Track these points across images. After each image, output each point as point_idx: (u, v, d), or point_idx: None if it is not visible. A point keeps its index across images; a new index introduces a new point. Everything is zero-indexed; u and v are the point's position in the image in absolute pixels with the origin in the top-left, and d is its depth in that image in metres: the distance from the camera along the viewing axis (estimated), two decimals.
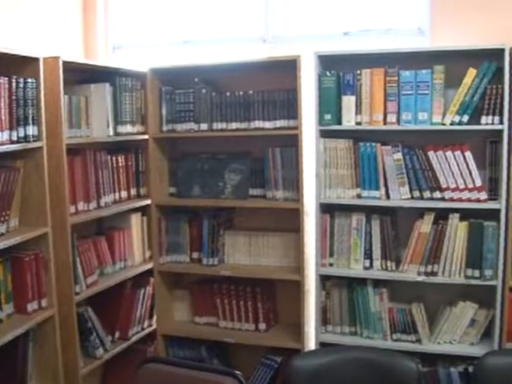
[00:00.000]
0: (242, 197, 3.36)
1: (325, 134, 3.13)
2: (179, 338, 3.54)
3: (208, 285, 3.51)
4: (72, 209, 3.09)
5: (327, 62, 3.16)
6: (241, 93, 3.29)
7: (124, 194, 3.53)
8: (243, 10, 3.67)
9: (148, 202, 3.54)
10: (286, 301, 3.47)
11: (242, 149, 3.42)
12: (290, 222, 3.23)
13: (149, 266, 3.61)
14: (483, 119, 2.94)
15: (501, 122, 2.90)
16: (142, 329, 3.63)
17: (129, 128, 3.45)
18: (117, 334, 3.45)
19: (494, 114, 2.92)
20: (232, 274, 3.36)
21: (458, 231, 3.02)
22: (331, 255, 3.21)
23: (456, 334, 3.12)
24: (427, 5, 3.32)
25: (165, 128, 3.45)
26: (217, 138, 3.38)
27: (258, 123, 3.25)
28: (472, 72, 2.95)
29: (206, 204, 3.43)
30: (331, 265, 3.22)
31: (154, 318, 3.64)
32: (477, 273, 3.02)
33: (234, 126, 3.30)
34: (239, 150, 3.42)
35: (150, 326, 3.68)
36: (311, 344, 3.32)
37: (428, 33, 3.32)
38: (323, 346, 3.21)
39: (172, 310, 3.66)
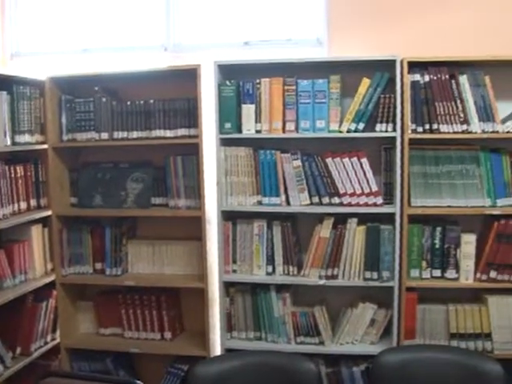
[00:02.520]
0: (144, 206, 3.34)
1: (225, 143, 3.16)
2: (84, 350, 3.48)
3: (112, 295, 3.46)
4: None
5: (227, 71, 3.19)
6: (141, 102, 3.27)
7: (23, 205, 3.41)
8: (144, 18, 3.64)
9: (49, 212, 3.45)
10: (191, 309, 3.48)
11: (143, 158, 3.41)
12: (193, 230, 3.24)
13: (51, 278, 3.52)
14: (378, 127, 3.06)
15: (394, 130, 3.03)
16: (45, 343, 3.52)
17: (27, 137, 3.35)
18: (18, 350, 3.34)
19: (387, 122, 3.05)
20: (136, 283, 3.33)
21: (356, 235, 3.12)
22: (234, 262, 3.25)
23: (357, 335, 3.22)
24: (325, 17, 3.41)
25: (65, 137, 3.38)
26: (118, 147, 3.35)
27: (159, 132, 3.24)
28: (366, 82, 3.06)
29: (108, 214, 3.38)
30: (234, 271, 3.25)
31: (58, 331, 3.54)
32: (375, 275, 3.13)
33: (135, 134, 3.27)
34: (141, 159, 3.41)
35: (53, 339, 3.58)
36: (217, 351, 3.34)
37: (326, 43, 3.41)
38: (229, 352, 3.23)
39: (76, 322, 3.59)
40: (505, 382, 2.63)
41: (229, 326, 3.29)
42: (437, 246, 3.12)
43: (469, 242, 3.11)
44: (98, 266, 3.43)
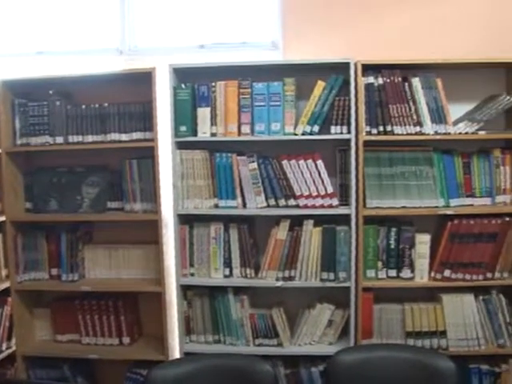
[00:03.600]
0: (100, 210, 3.31)
1: (181, 146, 3.16)
2: (41, 358, 3.42)
3: (69, 301, 3.42)
4: None
5: (183, 74, 3.19)
6: (96, 105, 3.25)
7: None
8: (99, 21, 3.61)
9: (2, 218, 3.39)
10: (150, 313, 3.46)
11: (99, 162, 3.38)
12: (150, 233, 3.22)
13: (6, 285, 3.45)
14: (332, 129, 3.09)
15: (348, 132, 3.06)
16: (1, 351, 3.46)
17: None
18: None
19: (342, 124, 3.08)
20: (93, 288, 3.30)
21: (312, 237, 3.14)
22: (191, 265, 3.24)
23: (315, 335, 3.25)
24: (280, 20, 3.42)
25: (18, 142, 3.33)
26: (73, 152, 3.30)
27: (114, 136, 3.22)
28: (321, 84, 3.09)
29: (64, 219, 3.34)
30: (192, 275, 3.25)
31: (14, 339, 3.48)
32: (331, 275, 3.16)
33: (90, 138, 3.25)
34: (96, 163, 3.38)
35: (8, 348, 3.51)
36: (176, 355, 3.33)
37: (281, 47, 3.42)
38: (188, 355, 3.22)
39: (32, 329, 3.53)
40: (457, 377, 2.68)
41: (187, 329, 3.28)
42: (392, 247, 3.16)
43: (423, 242, 3.15)
44: (54, 271, 3.38)
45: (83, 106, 3.26)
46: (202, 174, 3.16)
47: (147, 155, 3.17)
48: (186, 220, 3.22)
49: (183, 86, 3.12)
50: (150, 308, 3.44)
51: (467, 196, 3.17)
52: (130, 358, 3.37)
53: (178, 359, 3.16)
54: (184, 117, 3.12)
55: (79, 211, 3.33)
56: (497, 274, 3.14)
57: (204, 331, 3.29)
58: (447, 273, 3.15)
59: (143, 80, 3.09)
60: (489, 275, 3.14)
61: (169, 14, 3.58)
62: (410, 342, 3.18)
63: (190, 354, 3.22)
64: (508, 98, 3.10)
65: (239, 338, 3.25)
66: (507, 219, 3.11)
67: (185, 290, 3.27)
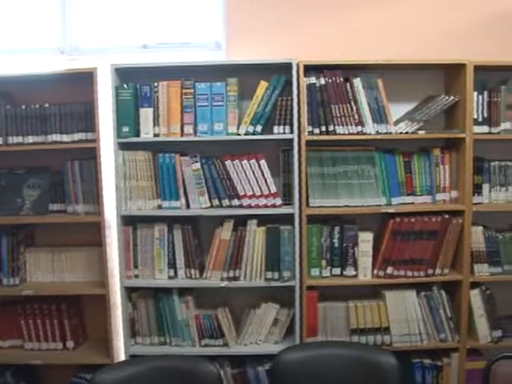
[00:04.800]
0: (42, 212, 3.25)
1: (123, 147, 3.13)
2: None
3: (10, 306, 3.35)
4: None
5: (125, 75, 3.16)
6: (37, 105, 3.18)
7: None
8: (40, 20, 3.55)
9: None
10: (94, 316, 3.41)
11: (40, 163, 3.32)
12: (93, 235, 3.18)
13: None
14: (275, 129, 3.11)
15: (291, 132, 3.09)
16: None
17: None
18: None
19: (284, 124, 3.10)
20: (35, 292, 3.24)
21: (256, 236, 3.16)
22: (136, 267, 3.21)
23: (261, 335, 3.26)
24: (223, 20, 3.42)
25: None
26: (13, 153, 3.23)
27: (55, 137, 3.16)
28: (263, 85, 3.10)
29: (4, 221, 3.26)
30: (136, 276, 3.22)
31: None
32: (276, 275, 3.17)
33: (30, 139, 3.18)
34: (37, 165, 3.32)
35: None
36: (121, 358, 3.30)
37: (224, 47, 3.42)
38: (133, 358, 3.19)
39: None
40: (399, 372, 2.72)
41: (132, 331, 3.26)
42: (335, 245, 3.20)
43: (366, 240, 3.20)
44: None
45: (23, 107, 3.19)
46: (145, 175, 3.14)
47: (89, 156, 3.13)
48: (130, 221, 3.20)
49: (125, 86, 3.09)
50: (94, 311, 3.40)
51: (408, 194, 3.23)
52: (74, 363, 3.32)
53: (121, 362, 3.12)
54: (126, 117, 3.09)
55: (20, 214, 3.26)
56: (437, 271, 3.22)
57: (149, 333, 3.27)
58: (390, 270, 3.20)
59: (85, 80, 3.05)
60: (430, 272, 3.21)
61: (111, 14, 3.54)
62: (355, 338, 3.22)
63: (135, 356, 3.20)
64: (446, 98, 3.18)
65: (185, 339, 3.24)
66: (447, 217, 3.18)
67: (129, 291, 3.24)
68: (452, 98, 3.17)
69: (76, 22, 3.55)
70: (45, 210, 3.27)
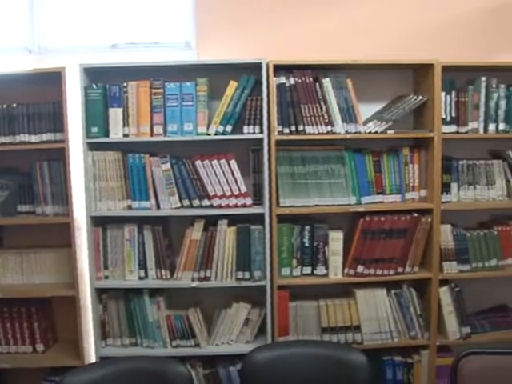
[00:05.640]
0: (10, 214, 3.21)
1: (93, 147, 3.11)
2: None
3: None
4: None
5: (94, 74, 3.14)
6: (4, 105, 3.14)
7: None
8: (7, 19, 3.50)
9: None
10: (64, 318, 3.38)
11: (8, 164, 3.27)
12: (63, 237, 3.16)
13: None
14: (245, 129, 3.11)
15: (261, 132, 3.09)
16: None
17: None
18: None
19: (254, 124, 3.10)
20: (3, 295, 3.20)
21: (226, 236, 3.16)
22: (106, 268, 3.19)
23: (232, 335, 3.26)
24: (193, 20, 3.42)
25: None
26: None
27: (23, 137, 3.13)
28: (233, 84, 3.10)
29: None
30: (106, 277, 3.20)
31: None
32: (247, 275, 3.18)
33: None
34: (5, 166, 3.27)
35: None
36: (92, 360, 3.27)
37: (194, 47, 3.41)
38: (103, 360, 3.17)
39: None
40: (369, 370, 2.74)
41: (103, 333, 3.23)
42: (306, 245, 3.21)
43: (336, 239, 3.22)
44: None
45: None
46: (115, 176, 3.12)
47: (58, 157, 3.10)
48: (99, 222, 3.18)
49: (94, 86, 3.07)
50: (64, 313, 3.37)
51: (378, 193, 3.26)
52: (44, 366, 3.29)
53: (91, 364, 3.10)
54: (95, 117, 3.07)
55: None
56: (407, 269, 3.25)
57: (120, 334, 3.25)
58: (360, 269, 3.22)
59: (53, 80, 3.03)
60: (400, 270, 3.24)
61: (80, 13, 3.51)
62: (326, 337, 3.24)
63: (106, 358, 3.17)
64: (415, 98, 3.21)
65: (156, 340, 3.23)
66: (416, 215, 3.21)
67: (99, 293, 3.22)
68: (420, 97, 3.20)
69: (44, 21, 3.51)
70: (13, 211, 3.23)
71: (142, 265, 3.19)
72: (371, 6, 3.43)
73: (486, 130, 3.26)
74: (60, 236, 3.21)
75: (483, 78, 3.24)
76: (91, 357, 3.29)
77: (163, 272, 3.19)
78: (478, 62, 3.20)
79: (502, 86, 3.26)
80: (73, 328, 3.24)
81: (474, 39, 3.46)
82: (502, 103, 3.25)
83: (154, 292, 3.23)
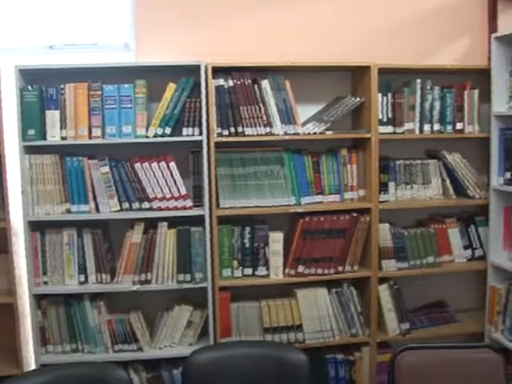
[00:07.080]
0: None
1: (29, 150, 3.05)
2: None
3: None
4: None
5: (31, 76, 3.09)
6: None
7: None
8: None
9: None
10: (2, 326, 3.29)
11: None
12: None
13: None
14: (184, 131, 3.11)
15: (200, 134, 3.09)
16: None
17: None
18: None
19: (193, 126, 3.11)
20: None
21: (167, 239, 3.15)
22: (45, 273, 3.14)
23: (175, 337, 3.26)
24: (132, 21, 3.40)
25: None
26: None
27: None
28: (172, 86, 3.10)
29: None
30: (46, 283, 3.15)
31: None
32: (188, 277, 3.18)
33: None
34: None
35: None
36: (32, 368, 3.21)
37: (134, 48, 3.39)
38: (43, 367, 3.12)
39: None
40: (308, 368, 2.77)
41: (43, 340, 3.17)
42: (247, 246, 3.23)
43: (276, 240, 3.25)
44: None
45: None
46: (53, 179, 3.08)
47: None
48: (37, 227, 3.12)
49: (30, 87, 3.02)
50: (2, 320, 3.28)
51: (317, 194, 3.31)
52: None
53: (28, 372, 3.03)
54: (32, 120, 3.02)
55: None
56: (347, 268, 3.30)
57: (61, 341, 3.19)
58: (301, 268, 3.26)
59: None
60: (340, 269, 3.29)
61: (16, 13, 3.45)
62: (268, 337, 3.26)
63: (46, 365, 3.11)
64: (353, 99, 3.27)
65: (98, 345, 3.19)
66: (355, 215, 3.27)
67: (38, 299, 3.16)
68: (358, 99, 3.26)
69: None
70: None
71: (82, 269, 3.15)
72: (309, 8, 3.47)
73: (421, 130, 3.34)
74: None
75: (418, 80, 3.32)
76: (31, 365, 3.22)
77: (103, 276, 3.16)
78: (413, 65, 3.28)
79: (437, 87, 3.35)
80: (11, 335, 3.17)
81: (410, 43, 3.55)
82: (437, 104, 3.34)
83: (94, 296, 3.19)
